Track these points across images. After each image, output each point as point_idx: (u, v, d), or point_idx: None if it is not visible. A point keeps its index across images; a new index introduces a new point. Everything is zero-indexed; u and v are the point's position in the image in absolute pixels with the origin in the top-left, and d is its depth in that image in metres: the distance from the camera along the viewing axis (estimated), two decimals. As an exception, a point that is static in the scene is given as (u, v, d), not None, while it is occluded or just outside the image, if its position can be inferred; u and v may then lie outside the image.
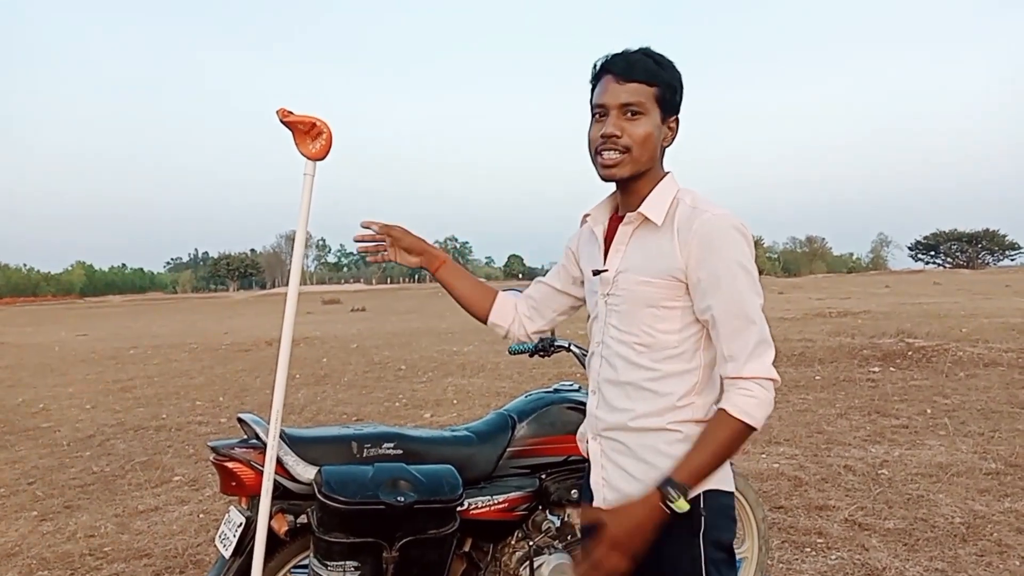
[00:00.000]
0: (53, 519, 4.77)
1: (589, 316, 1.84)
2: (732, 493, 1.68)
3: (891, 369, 9.19)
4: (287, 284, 2.02)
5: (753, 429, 1.54)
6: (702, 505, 1.60)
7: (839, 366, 9.60)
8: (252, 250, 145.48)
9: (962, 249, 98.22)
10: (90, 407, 8.99)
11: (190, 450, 6.46)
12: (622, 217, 1.72)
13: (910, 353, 9.98)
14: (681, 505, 1.51)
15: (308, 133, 2.00)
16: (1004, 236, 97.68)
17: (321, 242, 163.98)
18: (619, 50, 1.66)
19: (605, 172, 1.66)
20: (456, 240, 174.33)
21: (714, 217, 1.58)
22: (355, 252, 2.09)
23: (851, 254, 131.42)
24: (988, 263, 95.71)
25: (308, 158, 2.01)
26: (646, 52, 1.64)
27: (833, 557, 3.71)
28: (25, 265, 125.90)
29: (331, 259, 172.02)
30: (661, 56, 1.65)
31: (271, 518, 2.09)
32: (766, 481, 4.89)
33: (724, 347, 1.57)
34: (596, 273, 1.76)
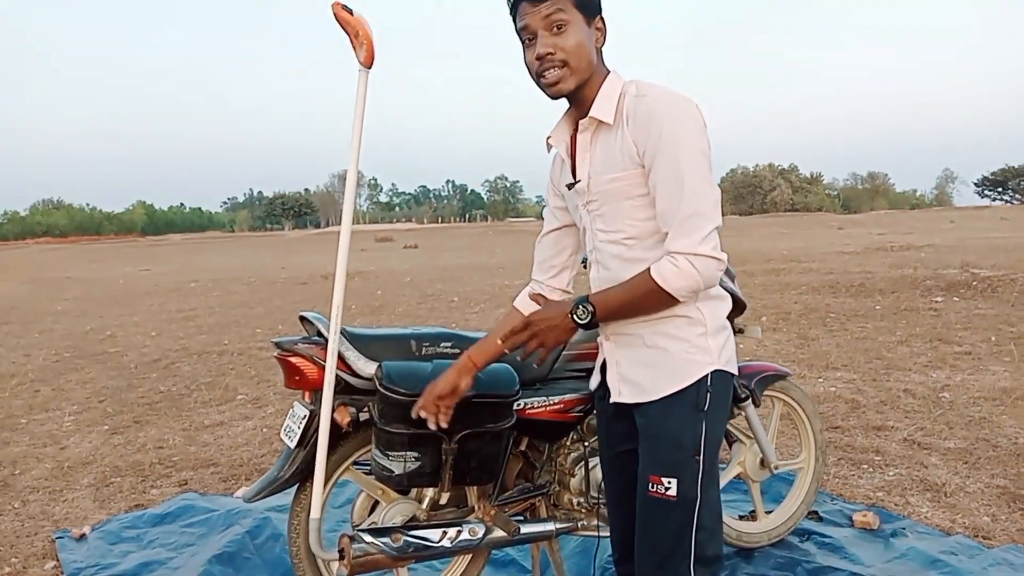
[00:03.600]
0: (124, 433, 4.98)
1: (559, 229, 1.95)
2: (735, 376, 1.78)
3: (954, 299, 8.96)
4: (341, 222, 2.04)
5: (669, 296, 1.60)
6: (709, 383, 1.69)
7: (900, 296, 9.39)
8: (306, 189, 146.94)
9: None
10: (155, 334, 9.29)
11: (252, 372, 6.65)
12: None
13: (975, 283, 9.70)
14: (581, 319, 1.66)
15: (356, 38, 1.98)
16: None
17: (373, 181, 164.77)
18: None
19: (552, 91, 1.68)
20: (507, 179, 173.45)
21: (656, 96, 1.61)
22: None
23: (915, 191, 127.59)
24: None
25: (359, 63, 2.01)
26: None
27: (891, 473, 3.68)
28: (88, 204, 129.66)
29: (383, 199, 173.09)
30: None
31: (334, 411, 2.14)
32: (823, 403, 4.85)
33: (661, 224, 1.62)
34: (570, 187, 1.80)
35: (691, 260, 1.56)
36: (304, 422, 2.21)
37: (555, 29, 1.62)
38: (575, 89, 1.68)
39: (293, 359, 2.22)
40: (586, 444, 2.55)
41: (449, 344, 2.35)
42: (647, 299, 1.62)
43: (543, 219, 2.05)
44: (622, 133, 1.64)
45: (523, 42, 1.69)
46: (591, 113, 1.69)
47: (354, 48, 2.01)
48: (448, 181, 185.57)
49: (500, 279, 14.53)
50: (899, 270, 11.99)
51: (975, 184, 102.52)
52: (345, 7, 1.98)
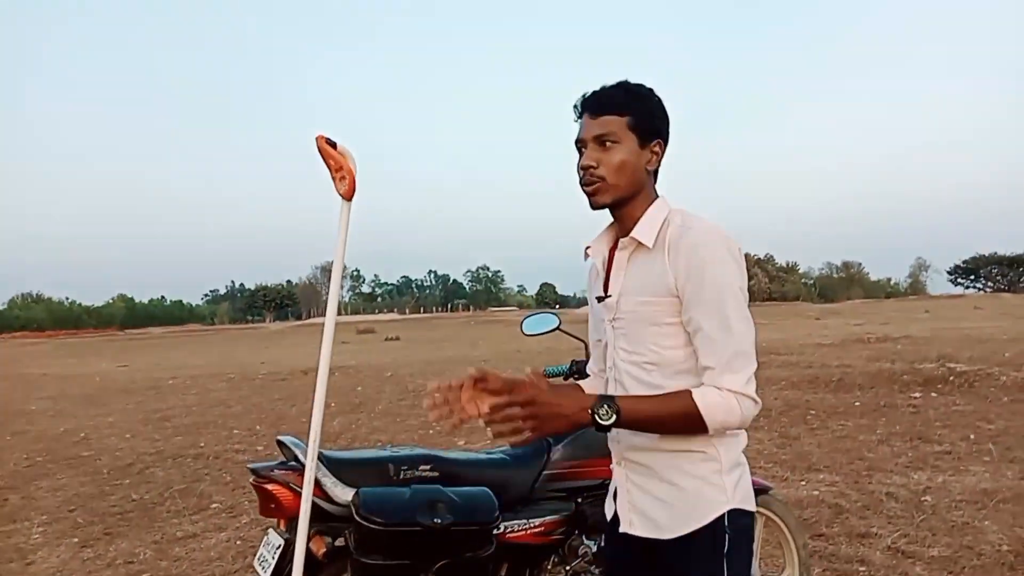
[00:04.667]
0: (93, 545, 4.84)
1: (600, 341, 1.89)
2: (753, 514, 1.72)
3: (932, 394, 9.02)
4: (323, 315, 2.04)
5: (704, 425, 1.57)
6: (727, 523, 1.64)
7: (879, 392, 9.43)
8: (288, 281, 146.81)
9: (1003, 273, 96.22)
10: (129, 436, 9.12)
11: (227, 478, 6.52)
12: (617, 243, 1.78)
13: (952, 378, 9.78)
14: (603, 420, 1.56)
15: (337, 172, 2.04)
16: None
17: (356, 273, 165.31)
18: (595, 87, 1.74)
19: (590, 201, 1.73)
20: (488, 269, 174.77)
21: (701, 231, 1.63)
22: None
23: (889, 279, 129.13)
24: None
25: (340, 195, 2.05)
26: (620, 85, 1.73)
27: (876, 585, 3.63)
28: (67, 298, 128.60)
29: (365, 289, 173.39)
30: (637, 86, 1.73)
31: (309, 540, 2.11)
32: (806, 508, 4.81)
33: (702, 358, 1.61)
34: (600, 300, 1.81)
35: (737, 398, 1.56)
36: (279, 552, 2.17)
37: (603, 145, 1.69)
38: (615, 205, 1.73)
39: (269, 486, 2.20)
40: (568, 568, 2.52)
41: (428, 467, 2.34)
42: (679, 420, 1.59)
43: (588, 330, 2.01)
44: (661, 260, 1.66)
45: (578, 151, 1.76)
46: (633, 233, 1.71)
47: (334, 181, 2.06)
48: (430, 271, 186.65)
49: (481, 374, 14.44)
50: (877, 363, 12.07)
51: (948, 272, 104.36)
52: (329, 140, 2.04)
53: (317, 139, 2.02)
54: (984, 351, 13.16)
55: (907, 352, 13.77)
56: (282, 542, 2.17)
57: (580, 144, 1.73)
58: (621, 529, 1.77)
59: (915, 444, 6.50)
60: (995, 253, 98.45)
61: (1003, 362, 11.32)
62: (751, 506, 1.70)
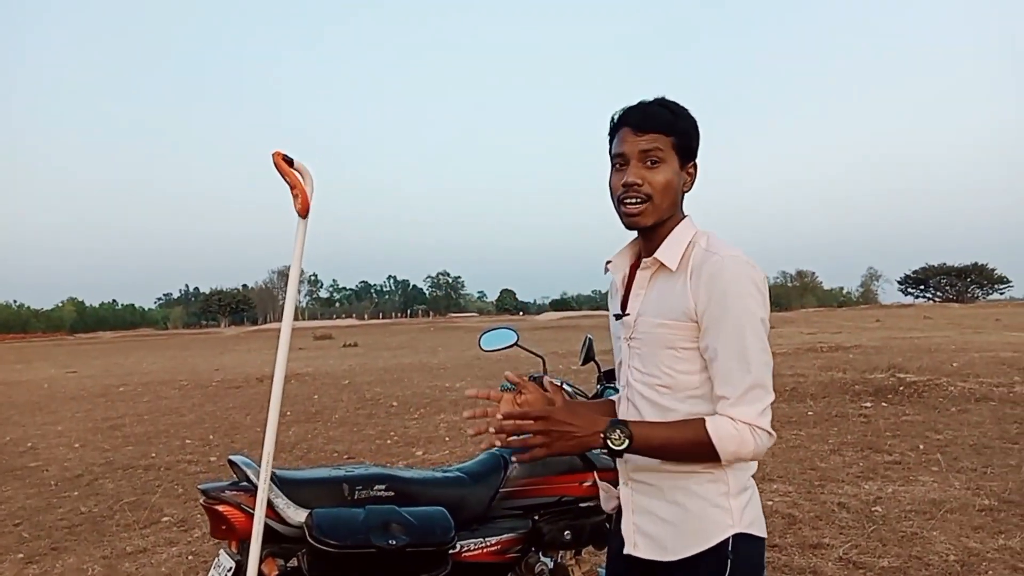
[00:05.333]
0: (39, 561, 4.70)
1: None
2: (763, 540, 1.68)
3: (883, 404, 9.20)
4: (279, 319, 2.01)
5: (715, 455, 1.55)
6: (730, 548, 1.62)
7: (831, 401, 9.60)
8: (244, 285, 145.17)
9: (951, 283, 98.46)
10: (79, 446, 8.91)
11: (179, 490, 6.40)
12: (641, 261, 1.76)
13: (902, 388, 9.99)
14: (615, 445, 1.55)
15: (292, 189, 2.02)
16: (993, 270, 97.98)
17: (313, 277, 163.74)
18: (635, 102, 1.70)
19: (629, 221, 1.69)
20: (448, 275, 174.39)
21: (725, 259, 1.60)
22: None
23: (841, 288, 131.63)
24: (978, 297, 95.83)
25: (296, 212, 2.04)
26: (661, 102, 1.69)
27: (828, 597, 3.69)
28: (15, 302, 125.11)
29: (323, 294, 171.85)
30: (676, 105, 1.69)
31: (261, 562, 2.07)
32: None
33: (717, 387, 1.59)
34: (618, 317, 1.78)
35: (752, 430, 1.54)
36: (230, 574, 2.13)
37: (649, 163, 1.65)
38: (651, 225, 1.69)
39: (219, 507, 2.16)
40: (524, 585, 2.51)
41: (383, 486, 2.31)
42: (690, 448, 1.57)
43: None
44: (683, 283, 1.63)
45: (613, 164, 1.71)
46: (656, 254, 1.68)
47: (292, 197, 2.04)
48: (390, 276, 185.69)
49: (442, 380, 14.41)
50: (829, 373, 12.28)
51: (898, 282, 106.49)
52: (285, 157, 2.02)
53: (274, 156, 2.00)
54: (933, 361, 13.46)
55: (859, 361, 14.03)
56: (233, 564, 2.14)
57: (620, 159, 1.68)
58: (625, 551, 1.74)
59: (866, 454, 6.62)
60: (944, 264, 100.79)
61: (951, 372, 11.60)
62: (760, 532, 1.67)
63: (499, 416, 1.60)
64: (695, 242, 1.67)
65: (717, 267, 1.59)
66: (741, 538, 1.63)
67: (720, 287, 1.57)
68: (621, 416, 1.78)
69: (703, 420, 1.56)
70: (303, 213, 2.02)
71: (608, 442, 1.55)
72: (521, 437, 1.56)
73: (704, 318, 1.59)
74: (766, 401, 1.57)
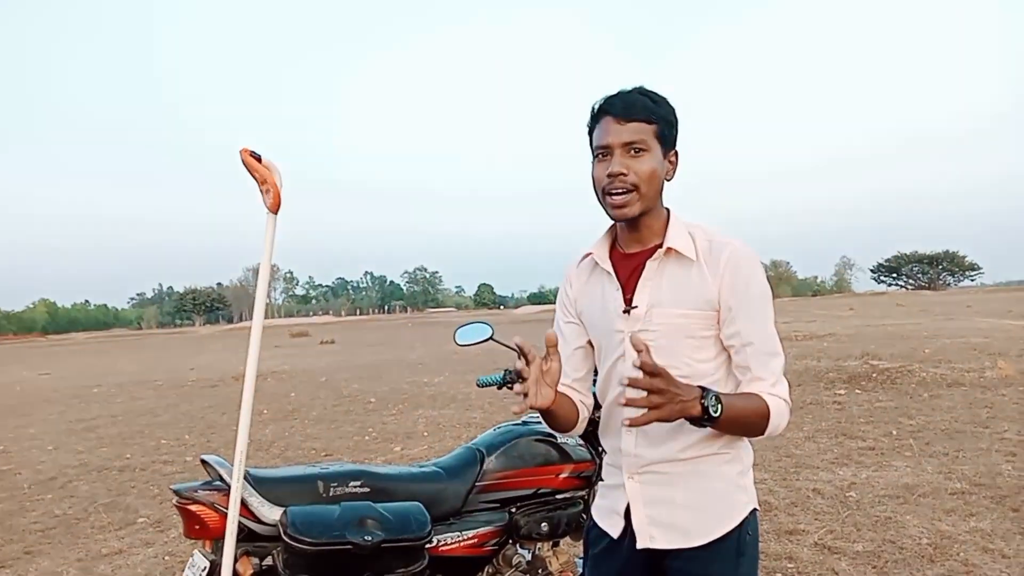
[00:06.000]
0: (12, 566, 4.64)
1: (602, 357, 1.79)
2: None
3: (856, 391, 9.31)
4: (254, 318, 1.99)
5: (766, 428, 1.59)
6: (748, 524, 1.68)
7: (806, 389, 9.69)
8: (219, 283, 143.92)
9: (923, 271, 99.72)
10: (52, 448, 8.79)
11: (155, 490, 6.34)
12: (626, 253, 1.74)
13: (875, 375, 10.12)
14: (712, 407, 1.47)
15: (262, 184, 2.00)
16: (964, 257, 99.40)
17: (289, 274, 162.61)
18: (615, 91, 1.68)
19: (616, 212, 1.66)
20: (425, 270, 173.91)
21: (738, 247, 1.65)
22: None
23: (816, 277, 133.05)
24: (949, 284, 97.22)
25: (266, 208, 2.02)
26: (641, 91, 1.67)
27: (804, 582, 3.73)
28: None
29: (299, 291, 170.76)
30: (656, 93, 1.68)
31: (236, 561, 2.06)
32: (736, 507, 4.90)
33: (755, 370, 1.63)
34: (626, 311, 1.71)
35: (788, 406, 1.63)
36: (204, 574, 2.11)
37: (633, 152, 1.63)
38: (638, 215, 1.67)
39: (193, 507, 2.14)
40: (501, 578, 2.51)
41: (358, 483, 2.30)
42: (755, 420, 1.58)
43: (560, 332, 1.86)
44: (699, 272, 1.64)
45: (595, 155, 1.68)
46: (668, 243, 1.67)
47: (261, 194, 2.02)
48: (366, 272, 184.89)
49: (419, 376, 14.38)
50: (804, 361, 12.41)
51: (871, 271, 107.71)
52: (253, 153, 2.00)
53: (241, 152, 1.98)
54: (905, 348, 13.64)
55: (833, 350, 14.19)
56: (208, 564, 2.12)
57: (604, 150, 1.65)
58: (640, 545, 1.70)
59: (840, 440, 6.69)
60: (916, 252, 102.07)
61: (923, 358, 11.77)
62: (757, 504, 1.75)
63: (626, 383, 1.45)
64: (693, 233, 1.69)
65: (736, 256, 1.63)
66: (754, 514, 1.71)
67: (743, 275, 1.62)
68: (627, 412, 1.65)
69: (761, 395, 1.60)
70: (274, 209, 2.01)
71: (707, 408, 1.48)
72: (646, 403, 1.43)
73: (729, 306, 1.63)
74: (786, 383, 1.65)
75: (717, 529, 1.66)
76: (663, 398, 1.43)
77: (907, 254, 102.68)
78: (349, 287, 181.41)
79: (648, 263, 1.70)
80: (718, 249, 1.64)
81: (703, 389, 1.49)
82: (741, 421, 1.57)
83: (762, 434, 1.60)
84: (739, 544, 1.66)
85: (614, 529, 1.77)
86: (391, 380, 14.05)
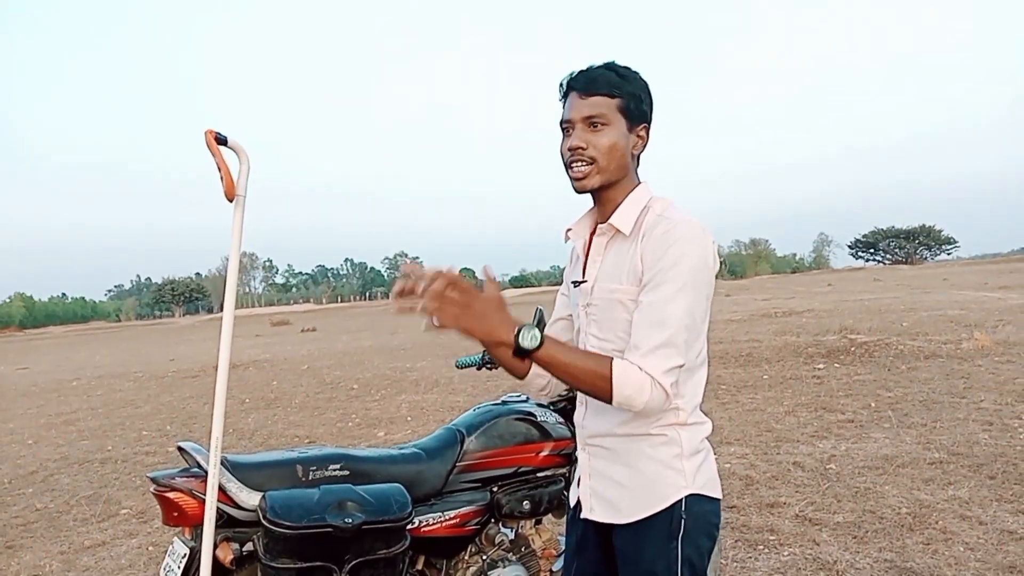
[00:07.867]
0: (-7, 561, 4.60)
1: (560, 320, 1.91)
2: (718, 500, 1.71)
3: (835, 365, 9.39)
4: (235, 308, 1.96)
5: (610, 392, 1.51)
6: (683, 508, 1.64)
7: (785, 364, 9.77)
8: (197, 273, 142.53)
9: (900, 246, 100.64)
10: (32, 442, 8.71)
11: (137, 482, 6.30)
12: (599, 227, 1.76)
13: (853, 349, 10.21)
14: (525, 342, 1.47)
15: (219, 170, 1.95)
16: (940, 231, 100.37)
17: (268, 263, 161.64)
18: (583, 67, 1.69)
19: (577, 184, 1.68)
20: (407, 256, 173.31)
21: (678, 222, 1.60)
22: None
23: (794, 254, 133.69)
24: (926, 258, 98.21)
25: (224, 193, 1.97)
26: (608, 66, 1.67)
27: (785, 553, 3.77)
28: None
29: (279, 280, 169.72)
30: (625, 68, 1.68)
31: (216, 548, 2.05)
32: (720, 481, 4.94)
33: (634, 337, 1.57)
34: (576, 284, 1.78)
35: (653, 384, 1.52)
36: (184, 561, 2.10)
37: (592, 126, 1.64)
38: (600, 189, 1.68)
39: (170, 494, 2.12)
40: (485, 557, 2.52)
41: (337, 466, 2.30)
42: (589, 378, 1.52)
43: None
44: (635, 247, 1.63)
45: (562, 130, 1.70)
46: (611, 220, 1.69)
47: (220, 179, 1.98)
48: (347, 259, 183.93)
49: (402, 361, 14.36)
50: (783, 337, 12.50)
51: (849, 247, 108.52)
52: (218, 136, 1.95)
53: (206, 134, 1.93)
54: (883, 322, 13.77)
55: (811, 325, 14.30)
56: (188, 550, 2.11)
57: (567, 125, 1.68)
58: (582, 515, 1.77)
59: (820, 414, 6.76)
60: (892, 227, 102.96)
61: (901, 332, 11.89)
62: (715, 492, 1.70)
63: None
64: (650, 207, 1.68)
65: (666, 230, 1.59)
66: (694, 499, 1.65)
67: (663, 247, 1.57)
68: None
69: (612, 358, 1.54)
70: (228, 196, 1.96)
71: (519, 338, 1.47)
72: (432, 304, 1.41)
73: (646, 279, 1.60)
74: (674, 362, 1.54)
75: (644, 510, 1.65)
76: (452, 306, 1.42)
77: (884, 229, 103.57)
78: (329, 274, 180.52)
79: (595, 239, 1.74)
80: (658, 224, 1.62)
81: (528, 325, 1.50)
82: (570, 371, 1.52)
83: (609, 399, 1.52)
84: (670, 527, 1.63)
85: (573, 498, 1.86)
86: (373, 366, 14.02)
